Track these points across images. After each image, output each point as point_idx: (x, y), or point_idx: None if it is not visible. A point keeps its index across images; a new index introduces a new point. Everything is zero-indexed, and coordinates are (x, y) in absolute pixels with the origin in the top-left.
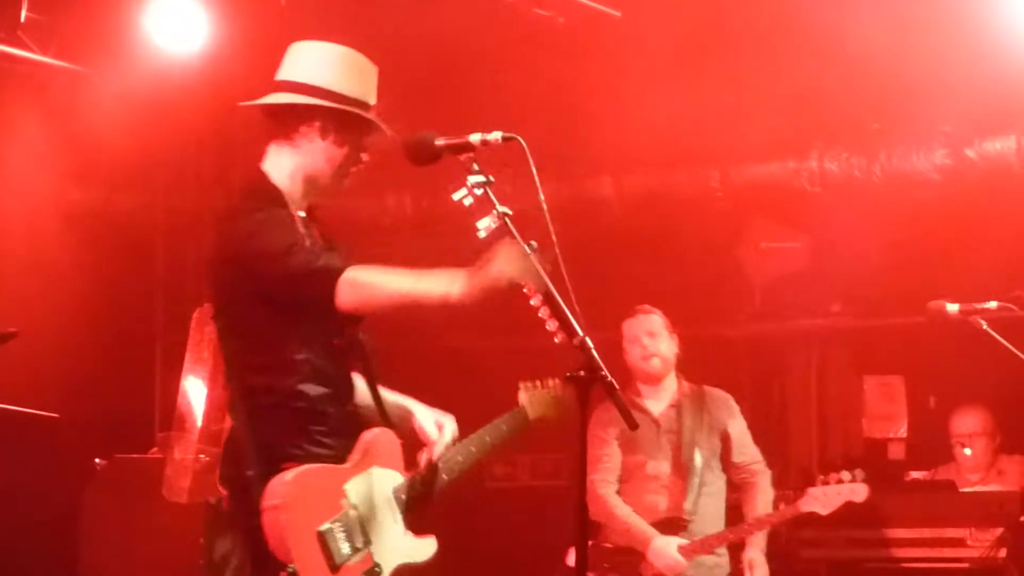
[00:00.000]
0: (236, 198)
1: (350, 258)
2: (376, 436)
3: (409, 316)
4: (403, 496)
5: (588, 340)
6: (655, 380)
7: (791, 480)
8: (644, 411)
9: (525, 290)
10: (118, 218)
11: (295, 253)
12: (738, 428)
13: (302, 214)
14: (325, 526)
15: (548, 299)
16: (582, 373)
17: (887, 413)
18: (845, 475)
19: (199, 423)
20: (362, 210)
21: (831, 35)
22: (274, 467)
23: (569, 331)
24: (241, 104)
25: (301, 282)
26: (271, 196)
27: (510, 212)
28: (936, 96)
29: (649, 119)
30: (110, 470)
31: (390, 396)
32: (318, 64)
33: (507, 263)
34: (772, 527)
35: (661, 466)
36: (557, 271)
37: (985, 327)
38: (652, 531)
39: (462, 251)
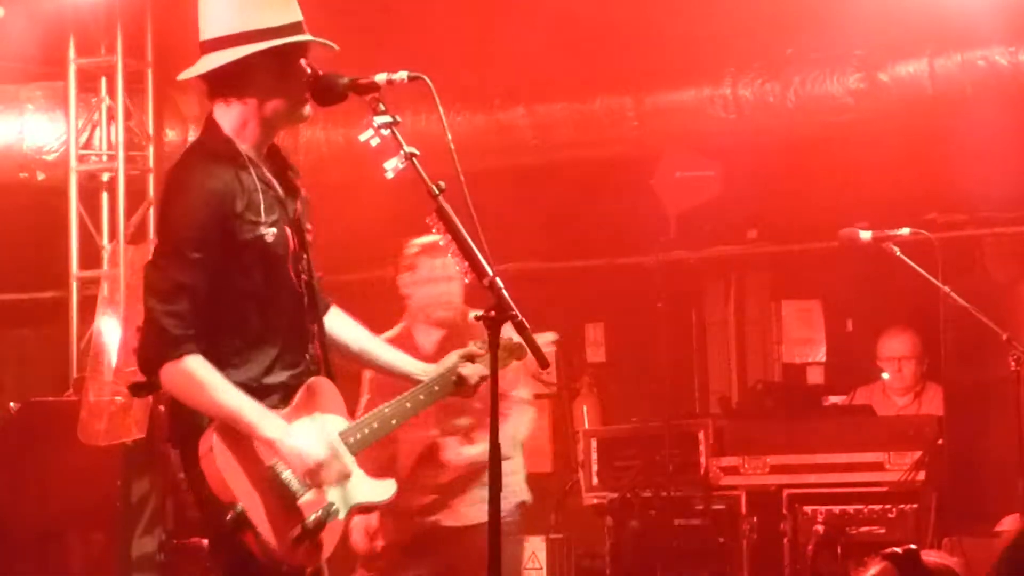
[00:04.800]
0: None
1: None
2: (317, 383)
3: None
4: (350, 440)
5: (498, 280)
6: (445, 326)
7: (711, 407)
8: (416, 351)
9: (434, 230)
10: (30, 157)
11: (170, 267)
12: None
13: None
14: (273, 460)
15: (457, 239)
16: (492, 313)
17: (805, 338)
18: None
19: (114, 364)
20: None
21: None
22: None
23: (478, 271)
24: (180, 78)
25: (149, 309)
26: (220, 149)
27: (417, 152)
28: (848, 20)
29: (563, 47)
30: (24, 413)
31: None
32: (234, 7)
33: (306, 454)
34: None
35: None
36: (466, 210)
37: (898, 253)
38: None
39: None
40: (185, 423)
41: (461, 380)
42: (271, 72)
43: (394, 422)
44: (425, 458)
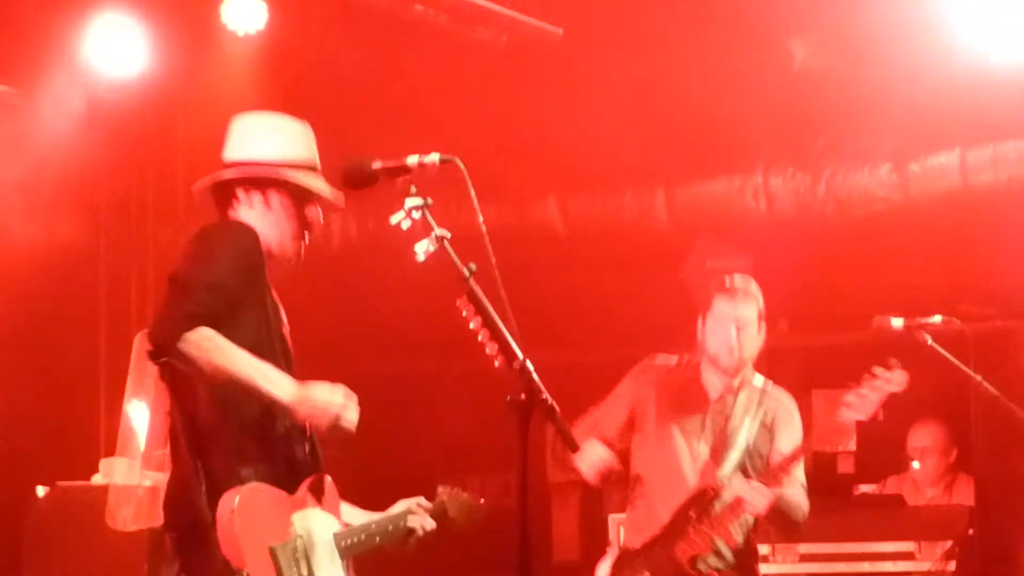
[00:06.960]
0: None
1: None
2: (320, 478)
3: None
4: (342, 544)
5: (528, 363)
6: (728, 374)
7: None
8: (699, 388)
9: (464, 313)
10: (60, 244)
11: (209, 273)
12: (788, 438)
13: None
14: (277, 544)
15: (487, 322)
16: (523, 397)
17: (835, 427)
18: (877, 369)
19: (142, 448)
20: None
21: (774, 53)
22: (222, 492)
23: (508, 355)
24: (195, 188)
25: (169, 305)
26: (249, 234)
27: (448, 235)
28: (879, 111)
29: (593, 139)
30: (52, 498)
31: None
32: (264, 136)
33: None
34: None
35: (700, 448)
36: (496, 293)
37: (930, 342)
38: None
39: (409, 272)
40: (183, 508)
41: (410, 531)
42: (282, 200)
43: (378, 540)
44: None
